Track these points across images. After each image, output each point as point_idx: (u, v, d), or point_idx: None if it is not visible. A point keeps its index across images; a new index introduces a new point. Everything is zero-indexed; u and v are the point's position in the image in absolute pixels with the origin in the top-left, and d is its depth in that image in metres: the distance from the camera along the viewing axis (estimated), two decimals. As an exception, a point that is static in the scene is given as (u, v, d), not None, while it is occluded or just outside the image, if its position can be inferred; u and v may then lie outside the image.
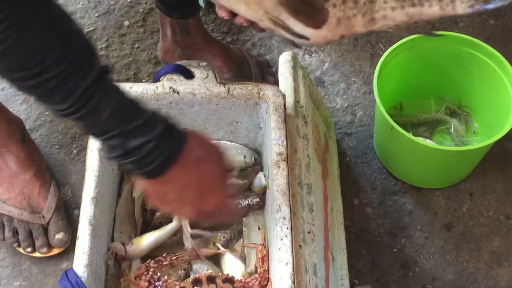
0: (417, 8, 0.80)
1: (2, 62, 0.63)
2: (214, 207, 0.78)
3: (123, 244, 0.97)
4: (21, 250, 1.16)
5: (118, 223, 1.00)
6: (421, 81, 1.31)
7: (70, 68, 0.64)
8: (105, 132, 0.69)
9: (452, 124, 1.31)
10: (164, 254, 0.96)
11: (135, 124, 0.69)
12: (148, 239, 0.98)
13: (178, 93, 0.99)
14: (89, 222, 0.89)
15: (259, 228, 1.00)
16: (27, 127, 1.24)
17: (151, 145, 0.70)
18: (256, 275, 0.94)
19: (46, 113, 1.35)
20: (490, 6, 0.81)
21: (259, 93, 1.00)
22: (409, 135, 1.13)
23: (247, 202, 1.02)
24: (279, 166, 0.93)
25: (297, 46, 0.87)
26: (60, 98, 0.65)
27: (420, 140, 1.14)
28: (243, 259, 0.99)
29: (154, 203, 0.80)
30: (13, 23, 0.60)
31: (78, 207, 1.04)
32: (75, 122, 0.69)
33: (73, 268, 0.85)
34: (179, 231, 1.00)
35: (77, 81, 0.65)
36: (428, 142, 1.19)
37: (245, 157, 1.07)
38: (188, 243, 0.98)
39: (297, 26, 0.79)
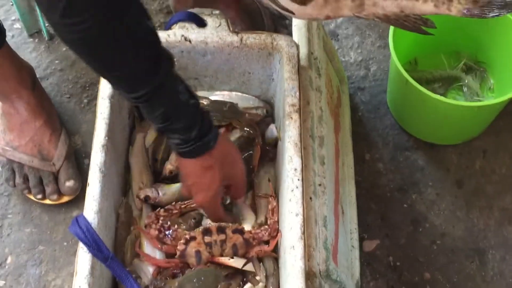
0: (410, 1, 0.77)
1: (89, 54, 0.74)
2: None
3: (154, 188, 0.97)
4: (31, 197, 1.17)
5: (136, 174, 1.00)
6: (438, 35, 1.27)
7: (143, 68, 0.77)
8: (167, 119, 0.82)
9: (466, 81, 1.29)
10: (173, 203, 0.96)
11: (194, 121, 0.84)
12: (177, 186, 0.98)
13: (190, 41, 0.98)
14: (100, 169, 0.88)
15: (269, 180, 1.00)
16: (37, 76, 1.23)
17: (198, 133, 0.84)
18: (266, 226, 0.94)
19: (57, 61, 1.34)
20: (488, 16, 0.79)
21: (272, 43, 0.98)
22: (424, 90, 1.11)
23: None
24: (292, 118, 0.92)
25: (283, 17, 0.86)
26: (139, 85, 0.78)
27: (435, 95, 1.12)
28: (254, 210, 0.99)
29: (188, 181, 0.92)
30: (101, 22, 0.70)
31: (88, 156, 1.04)
32: (142, 104, 0.81)
33: (84, 214, 0.85)
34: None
35: (151, 76, 0.77)
36: (443, 98, 1.16)
37: (256, 108, 1.06)
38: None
39: None
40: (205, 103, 1.03)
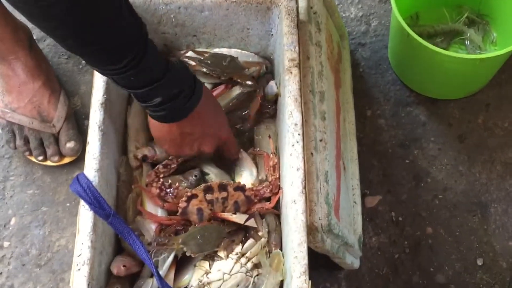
0: None
1: (59, 27, 0.68)
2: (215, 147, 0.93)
3: (151, 147, 0.97)
4: (32, 158, 1.17)
5: (133, 133, 0.99)
6: (440, -12, 1.27)
7: (119, 40, 0.71)
8: (144, 86, 0.78)
9: (468, 34, 1.27)
10: (170, 157, 0.96)
11: (172, 89, 0.80)
12: None
13: (187, -4, 0.96)
14: (99, 127, 0.88)
15: (269, 137, 0.99)
16: (34, 37, 1.21)
17: (177, 101, 0.82)
18: (267, 183, 0.94)
19: (53, 22, 1.32)
20: None
21: (271, -3, 0.96)
22: (426, 43, 1.10)
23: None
24: (291, 72, 0.91)
25: None
26: (110, 62, 0.73)
27: (437, 48, 1.10)
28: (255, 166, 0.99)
29: (161, 142, 0.93)
30: None
31: (88, 117, 1.03)
32: (130, 72, 0.76)
33: (84, 172, 0.85)
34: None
35: (126, 50, 0.73)
36: (445, 51, 1.15)
37: (256, 65, 1.05)
38: None
39: None
40: (205, 55, 1.01)
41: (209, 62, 1.00)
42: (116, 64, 0.74)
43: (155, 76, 0.78)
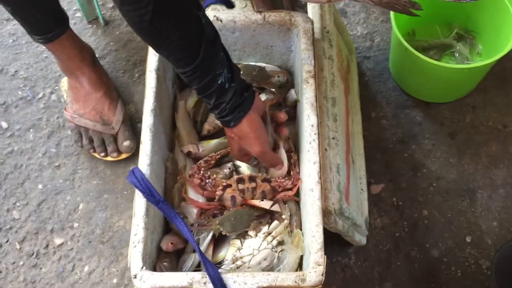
0: None
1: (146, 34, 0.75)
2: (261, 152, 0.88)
3: (195, 144, 0.98)
4: (96, 155, 1.19)
5: (185, 136, 0.99)
6: (432, 8, 1.24)
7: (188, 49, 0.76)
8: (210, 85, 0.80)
9: (457, 48, 1.25)
10: (210, 155, 0.96)
11: (231, 87, 0.82)
12: (214, 142, 0.99)
13: (221, 20, 0.96)
14: (150, 129, 0.88)
15: (288, 138, 0.99)
16: (96, 55, 1.22)
17: (231, 105, 0.83)
18: (290, 176, 0.93)
19: (112, 43, 1.33)
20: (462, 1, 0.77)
21: (291, 20, 0.96)
22: (421, 56, 1.08)
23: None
24: (308, 82, 0.90)
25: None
26: (182, 65, 0.78)
27: (431, 60, 1.09)
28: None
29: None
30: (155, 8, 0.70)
31: (141, 121, 1.04)
32: (185, 78, 0.80)
33: (138, 167, 0.85)
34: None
35: (189, 61, 0.77)
36: (438, 62, 1.13)
37: (278, 76, 1.05)
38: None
39: None
40: (238, 66, 1.02)
41: (241, 72, 1.00)
42: (176, 68, 0.79)
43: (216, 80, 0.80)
